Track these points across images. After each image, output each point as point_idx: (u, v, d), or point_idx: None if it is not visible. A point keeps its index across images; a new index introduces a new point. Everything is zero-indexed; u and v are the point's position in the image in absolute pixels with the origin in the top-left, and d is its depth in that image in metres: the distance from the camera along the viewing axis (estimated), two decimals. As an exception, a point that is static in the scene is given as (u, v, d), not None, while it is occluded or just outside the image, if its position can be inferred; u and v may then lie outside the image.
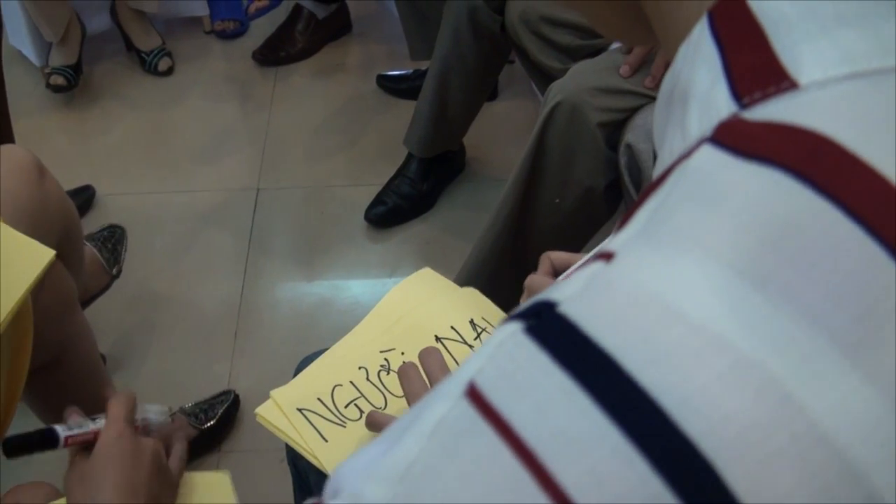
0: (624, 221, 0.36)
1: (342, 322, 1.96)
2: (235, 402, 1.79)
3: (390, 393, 0.93)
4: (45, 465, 1.44)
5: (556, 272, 0.96)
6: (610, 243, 0.35)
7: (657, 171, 0.39)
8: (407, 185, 2.23)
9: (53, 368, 1.33)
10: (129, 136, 2.55)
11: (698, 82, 0.37)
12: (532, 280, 0.95)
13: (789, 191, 0.32)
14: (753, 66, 0.36)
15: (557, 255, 0.97)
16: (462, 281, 1.69)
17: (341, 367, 0.96)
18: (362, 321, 1.02)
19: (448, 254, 2.09)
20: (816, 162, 0.32)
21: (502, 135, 2.46)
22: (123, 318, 2.00)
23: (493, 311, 1.03)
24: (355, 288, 2.12)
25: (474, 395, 0.32)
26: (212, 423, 1.72)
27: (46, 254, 1.14)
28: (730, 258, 0.31)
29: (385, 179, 2.26)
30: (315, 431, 0.89)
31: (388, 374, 0.95)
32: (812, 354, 0.30)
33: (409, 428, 0.33)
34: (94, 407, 1.45)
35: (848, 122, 0.33)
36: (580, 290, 0.33)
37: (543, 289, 0.94)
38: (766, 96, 0.35)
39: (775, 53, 0.35)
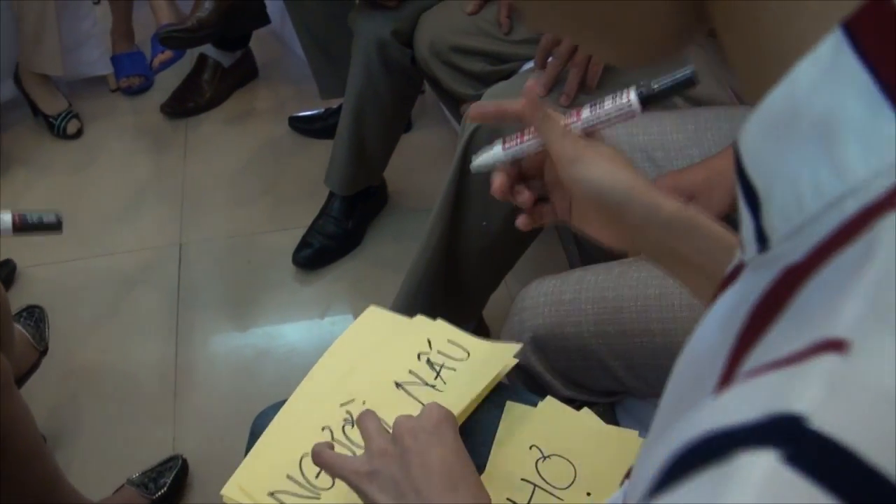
0: (803, 274, 0.31)
1: (281, 370, 1.94)
2: (184, 466, 1.73)
3: (358, 447, 0.89)
4: None
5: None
6: (831, 328, 0.28)
7: (789, 208, 0.34)
8: (332, 224, 2.22)
9: (-3, 454, 1.28)
10: (44, 204, 2.47)
11: (845, 110, 0.31)
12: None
13: None
14: None
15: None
16: (398, 312, 1.67)
17: (303, 431, 0.92)
18: (313, 369, 0.99)
19: (380, 288, 2.08)
20: None
21: (421, 164, 2.47)
22: (57, 393, 1.93)
23: (444, 337, 1.02)
24: (290, 334, 2.09)
25: None
26: (162, 491, 1.67)
27: (-24, 338, 1.10)
28: None
29: (309, 221, 2.25)
30: None
31: (353, 427, 0.91)
32: None
33: None
34: (43, 490, 1.41)
35: None
36: (826, 395, 0.26)
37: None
38: None
39: None
